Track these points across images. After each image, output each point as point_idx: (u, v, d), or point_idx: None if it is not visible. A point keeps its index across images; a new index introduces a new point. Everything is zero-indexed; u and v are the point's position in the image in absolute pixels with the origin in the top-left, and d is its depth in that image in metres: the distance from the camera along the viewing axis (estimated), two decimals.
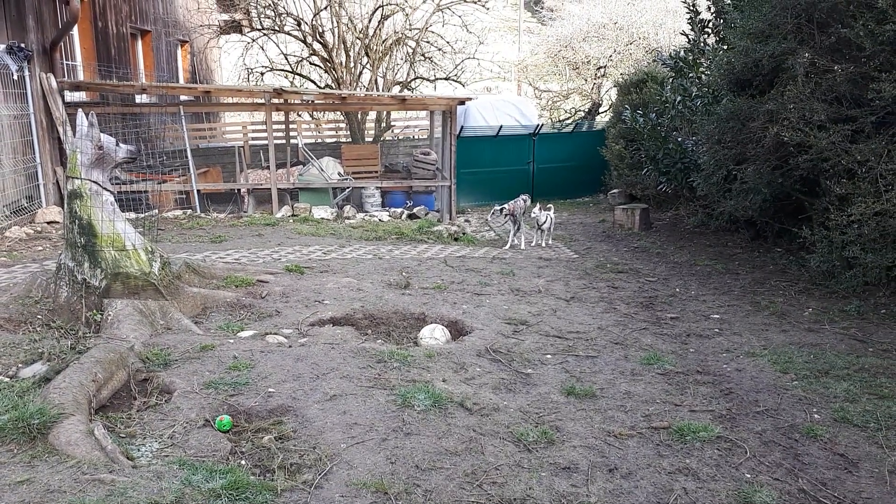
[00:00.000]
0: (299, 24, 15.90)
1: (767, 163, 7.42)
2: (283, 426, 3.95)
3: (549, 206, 10.52)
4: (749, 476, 3.55)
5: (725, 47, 8.64)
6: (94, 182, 5.67)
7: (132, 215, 10.23)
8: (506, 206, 10.05)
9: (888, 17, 5.93)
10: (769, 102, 7.10)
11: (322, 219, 11.43)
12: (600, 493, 3.38)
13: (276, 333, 5.54)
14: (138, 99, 14.15)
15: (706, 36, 9.66)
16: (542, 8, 31.41)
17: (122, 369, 4.45)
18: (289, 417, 4.06)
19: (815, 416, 4.25)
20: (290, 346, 5.20)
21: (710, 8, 9.51)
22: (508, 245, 10.00)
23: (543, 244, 10.21)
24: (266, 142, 12.64)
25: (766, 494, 3.34)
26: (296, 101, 12.54)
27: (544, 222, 10.11)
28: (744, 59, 7.47)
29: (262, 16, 16.29)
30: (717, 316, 6.52)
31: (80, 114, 5.73)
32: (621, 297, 7.28)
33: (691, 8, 9.63)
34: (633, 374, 4.97)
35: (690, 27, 9.75)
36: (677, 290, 7.58)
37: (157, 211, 11.38)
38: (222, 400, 4.21)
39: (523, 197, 10.44)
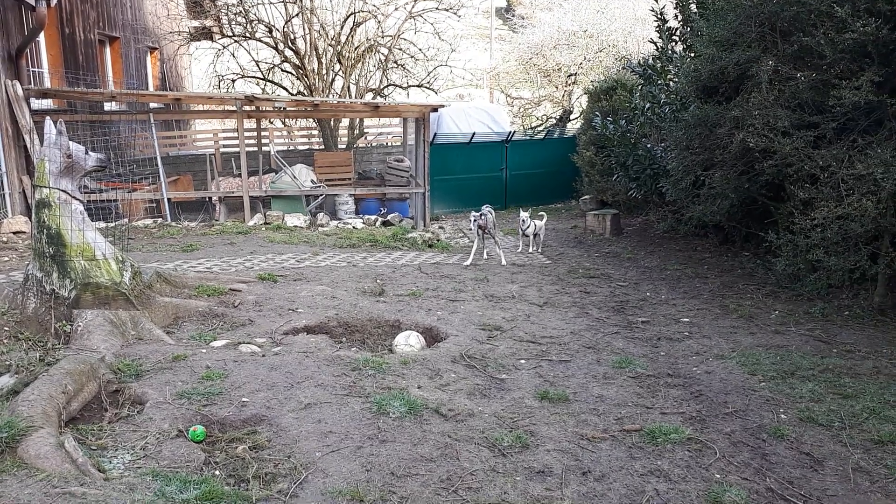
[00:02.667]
0: (271, 31, 15.85)
1: (734, 168, 7.58)
2: (257, 435, 3.93)
3: (540, 213, 10.58)
4: (719, 476, 3.62)
5: (692, 55, 8.81)
6: (62, 191, 5.59)
7: (102, 225, 10.09)
8: (479, 219, 9.32)
9: (847, 25, 6.10)
10: (735, 109, 7.26)
11: (295, 226, 11.38)
12: (574, 496, 3.42)
13: (249, 343, 5.51)
14: (107, 106, 13.97)
15: (674, 44, 9.83)
16: (513, 16, 31.68)
17: (93, 381, 4.39)
18: (263, 427, 4.04)
19: (782, 416, 4.35)
20: (263, 356, 5.18)
21: (677, 16, 9.70)
22: (470, 261, 9.15)
23: (531, 250, 10.24)
24: (238, 149, 12.57)
25: (735, 494, 3.41)
26: (268, 109, 12.50)
27: (527, 228, 10.14)
28: (710, 67, 7.63)
29: (233, 23, 16.21)
30: (687, 319, 6.64)
31: (48, 122, 5.65)
32: (593, 301, 7.36)
33: (659, 16, 9.81)
34: (606, 377, 5.04)
35: (658, 35, 9.92)
36: (648, 294, 7.69)
37: (127, 220, 11.23)
38: (195, 410, 4.17)
39: (489, 208, 9.65)
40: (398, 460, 3.67)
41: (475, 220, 9.32)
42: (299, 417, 4.13)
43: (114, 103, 14.03)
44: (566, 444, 3.96)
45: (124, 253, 6.24)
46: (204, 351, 5.22)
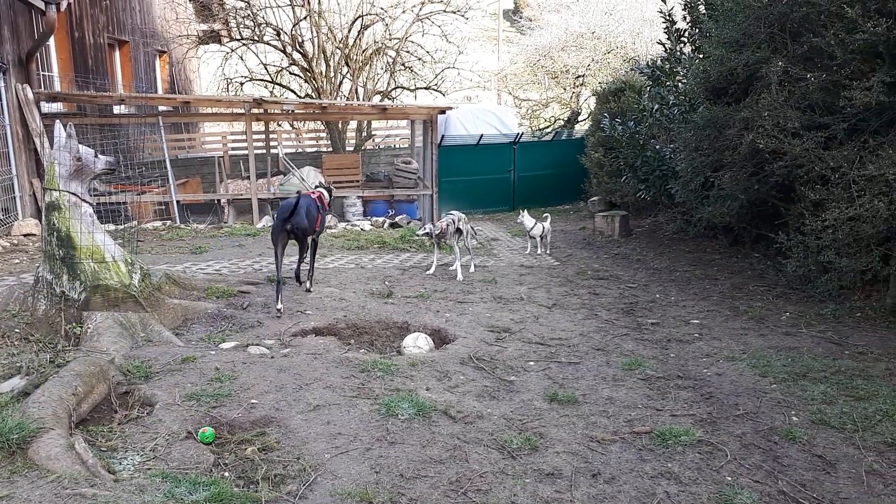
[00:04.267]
0: (279, 35, 15.90)
1: (744, 169, 7.53)
2: (266, 437, 3.93)
3: (545, 215, 10.56)
4: (730, 479, 3.59)
5: (701, 56, 8.77)
6: (72, 194, 5.62)
7: (111, 227, 10.13)
8: (429, 226, 8.56)
9: (858, 26, 6.06)
10: (744, 110, 7.22)
11: None
12: (584, 498, 3.40)
13: (258, 344, 5.52)
14: (116, 110, 14.04)
15: (682, 45, 9.79)
16: (520, 18, 31.66)
17: (103, 382, 4.41)
18: (272, 428, 4.05)
19: (794, 418, 4.32)
20: (272, 357, 5.19)
21: (685, 18, 9.65)
22: (432, 270, 8.52)
23: (539, 252, 10.20)
24: (246, 152, 12.61)
25: (746, 496, 3.39)
26: (276, 111, 12.53)
27: (531, 229, 10.11)
28: (719, 68, 7.59)
29: (242, 26, 16.27)
30: (697, 321, 6.60)
31: (58, 125, 5.68)
32: (602, 303, 7.33)
33: (667, 18, 9.77)
34: (615, 379, 5.01)
35: (667, 36, 9.89)
36: (657, 295, 7.65)
37: (136, 222, 11.28)
38: (204, 412, 4.18)
39: (453, 216, 8.59)
40: (407, 462, 3.66)
41: (429, 230, 8.39)
42: (308, 419, 4.13)
43: (123, 106, 14.11)
44: (576, 445, 3.94)
45: (133, 255, 6.27)
46: (213, 353, 5.23)
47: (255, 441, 3.89)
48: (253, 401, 4.36)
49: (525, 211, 10.46)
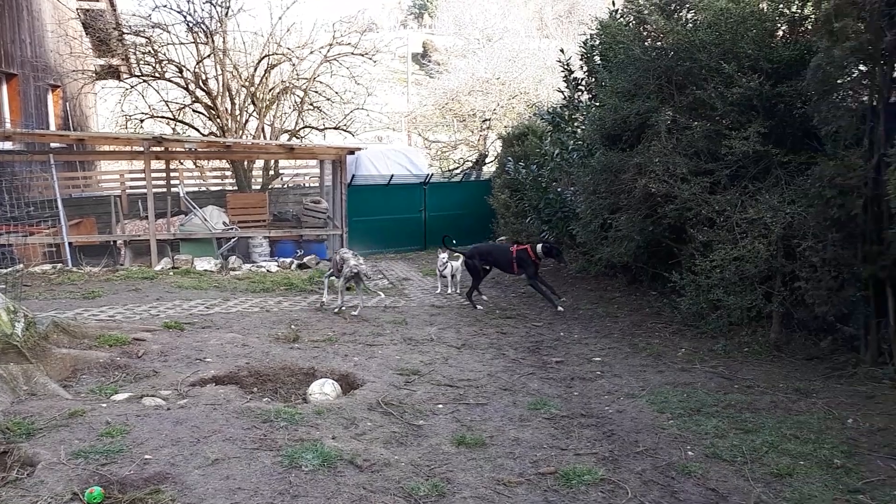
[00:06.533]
0: (181, 72, 15.52)
1: (639, 212, 7.93)
2: (160, 495, 3.72)
3: (456, 254, 10.65)
4: None
5: (597, 104, 9.25)
6: None
7: None
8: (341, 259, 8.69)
9: (734, 80, 6.58)
10: (637, 156, 7.64)
11: (205, 271, 11.03)
12: None
13: (153, 395, 5.25)
14: (2, 146, 13.21)
15: (580, 93, 10.30)
16: (429, 61, 32.40)
17: None
18: (167, 485, 3.83)
19: (689, 453, 4.50)
20: (168, 409, 4.94)
21: (582, 67, 10.18)
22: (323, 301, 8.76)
23: (450, 291, 10.28)
24: (145, 190, 12.13)
25: None
26: (178, 149, 12.17)
27: (444, 269, 10.20)
28: (613, 116, 8.02)
29: (142, 62, 15.78)
30: (599, 358, 6.81)
31: None
32: (510, 342, 7.45)
33: (566, 67, 10.27)
34: (522, 419, 5.08)
35: (566, 85, 10.38)
36: (562, 333, 7.86)
37: (22, 266, 10.58)
38: (93, 470, 3.92)
39: (343, 253, 8.90)
40: None
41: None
42: (206, 474, 3.95)
43: (9, 143, 13.29)
44: (483, 490, 3.94)
45: (18, 302, 5.86)
46: (104, 405, 4.94)
47: (149, 500, 3.67)
48: (147, 456, 4.13)
49: (440, 251, 10.48)
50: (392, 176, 15.91)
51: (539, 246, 8.93)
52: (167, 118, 16.65)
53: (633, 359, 6.78)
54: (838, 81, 6.01)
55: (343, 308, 8.61)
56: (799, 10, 7.15)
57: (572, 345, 7.38)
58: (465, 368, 6.39)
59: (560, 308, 8.83)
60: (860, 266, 5.91)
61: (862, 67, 5.97)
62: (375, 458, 4.27)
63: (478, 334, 7.77)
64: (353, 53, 16.94)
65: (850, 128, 5.83)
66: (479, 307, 9.15)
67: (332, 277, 9.05)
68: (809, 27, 6.96)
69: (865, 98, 6.00)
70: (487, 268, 9.57)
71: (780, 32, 7.31)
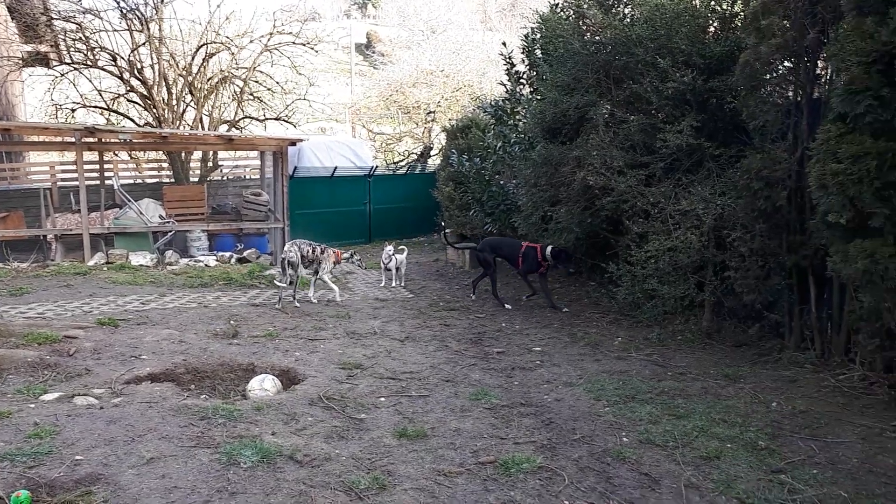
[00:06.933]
0: (115, 60, 14.99)
1: (577, 204, 8.08)
2: (92, 496, 3.62)
3: (401, 247, 10.62)
4: (567, 502, 3.78)
5: (538, 98, 9.36)
6: None
7: None
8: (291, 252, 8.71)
9: (669, 75, 6.76)
10: (576, 149, 7.78)
11: (141, 266, 10.73)
12: None
13: (85, 394, 5.09)
14: None
15: (522, 87, 10.40)
16: (373, 52, 32.15)
17: None
18: (99, 486, 3.73)
19: (624, 439, 4.63)
20: (101, 408, 4.81)
21: (524, 61, 10.28)
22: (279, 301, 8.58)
23: (394, 284, 10.26)
24: (77, 183, 11.69)
25: None
26: (111, 140, 11.77)
27: (389, 262, 10.19)
28: (553, 109, 8.14)
29: (73, 49, 15.16)
30: (539, 348, 6.93)
31: None
32: (453, 334, 7.51)
33: (508, 60, 10.35)
34: (463, 410, 5.13)
35: (508, 78, 10.46)
36: (503, 325, 7.96)
37: None
38: (19, 473, 3.79)
39: (298, 243, 8.89)
40: None
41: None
42: (141, 474, 3.86)
43: None
44: (423, 481, 3.97)
45: None
46: (32, 406, 4.78)
47: (79, 501, 3.57)
48: (78, 457, 4.01)
49: (387, 244, 10.50)
50: (336, 168, 15.76)
51: (549, 248, 8.70)
52: (100, 108, 16.08)
53: (571, 348, 6.92)
54: (765, 77, 6.25)
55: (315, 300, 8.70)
56: (729, 7, 7.39)
57: (513, 335, 7.48)
58: (407, 361, 6.41)
59: (565, 309, 8.57)
60: (785, 255, 6.17)
61: (787, 64, 6.21)
62: (316, 452, 4.26)
63: (421, 327, 7.80)
64: (294, 43, 16.69)
65: (776, 122, 6.07)
66: (507, 306, 8.94)
67: (306, 272, 8.99)
68: (739, 24, 7.21)
69: (790, 94, 6.25)
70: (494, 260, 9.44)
71: (712, 29, 7.54)
